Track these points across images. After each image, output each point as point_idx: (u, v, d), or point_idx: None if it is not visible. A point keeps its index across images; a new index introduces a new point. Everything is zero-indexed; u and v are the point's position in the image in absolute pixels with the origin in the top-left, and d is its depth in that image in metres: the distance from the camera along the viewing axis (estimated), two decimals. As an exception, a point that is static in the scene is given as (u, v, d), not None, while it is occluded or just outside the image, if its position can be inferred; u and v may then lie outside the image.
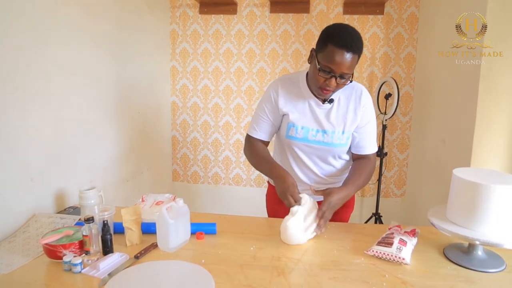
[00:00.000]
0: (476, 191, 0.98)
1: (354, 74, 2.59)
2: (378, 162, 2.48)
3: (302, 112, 1.27)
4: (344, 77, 1.12)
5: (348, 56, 1.08)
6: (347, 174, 1.34)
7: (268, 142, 1.39)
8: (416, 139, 2.57)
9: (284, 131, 1.32)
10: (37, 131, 1.40)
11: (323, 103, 1.25)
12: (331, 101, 1.24)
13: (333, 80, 1.12)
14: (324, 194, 1.18)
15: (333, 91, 1.18)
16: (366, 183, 1.30)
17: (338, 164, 1.36)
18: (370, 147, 1.31)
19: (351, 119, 1.25)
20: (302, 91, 1.27)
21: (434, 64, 2.25)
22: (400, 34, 2.55)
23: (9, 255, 1.09)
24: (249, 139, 1.39)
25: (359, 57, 1.12)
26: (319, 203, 1.19)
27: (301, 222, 1.12)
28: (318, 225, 1.14)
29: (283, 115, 1.31)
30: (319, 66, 1.12)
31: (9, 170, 1.27)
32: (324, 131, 1.26)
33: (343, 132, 1.26)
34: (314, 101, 1.26)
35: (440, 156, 2.13)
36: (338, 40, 1.08)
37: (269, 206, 1.54)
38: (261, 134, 1.35)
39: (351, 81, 1.16)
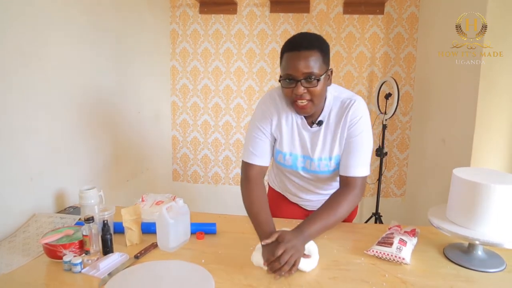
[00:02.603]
0: (476, 191, 0.98)
1: (354, 74, 2.62)
2: (378, 162, 2.48)
3: (289, 137, 1.17)
4: (309, 79, 1.01)
5: (302, 55, 0.99)
6: None
7: (267, 167, 1.22)
8: (416, 139, 2.57)
9: (274, 154, 1.24)
10: (37, 131, 1.40)
11: (311, 126, 1.14)
12: (320, 123, 1.13)
13: (299, 85, 1.01)
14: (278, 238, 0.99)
15: (314, 101, 1.05)
16: (340, 220, 1.10)
17: (334, 180, 1.27)
18: (357, 167, 1.11)
19: (338, 139, 1.13)
20: (289, 112, 1.16)
21: (434, 64, 2.25)
22: (400, 34, 2.55)
23: (9, 255, 1.09)
24: (245, 169, 1.19)
25: (321, 53, 1.01)
26: None
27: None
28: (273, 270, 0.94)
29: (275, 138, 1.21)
30: (280, 79, 1.06)
31: (9, 170, 1.27)
32: (311, 159, 1.17)
33: (329, 159, 1.16)
34: (302, 124, 1.15)
35: (440, 156, 2.13)
36: (289, 45, 1.04)
37: (271, 207, 1.53)
38: (259, 158, 1.18)
39: (318, 80, 1.01)
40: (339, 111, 1.12)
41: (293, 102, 1.07)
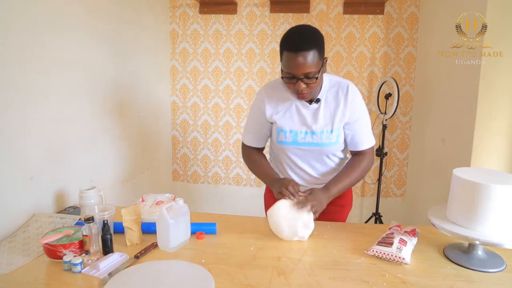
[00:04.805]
0: (476, 191, 0.98)
1: (354, 74, 2.62)
2: (378, 162, 2.48)
3: (289, 116, 1.27)
4: (309, 77, 1.10)
5: (302, 57, 1.06)
6: None
7: (263, 147, 1.43)
8: (416, 139, 2.57)
9: (274, 137, 1.33)
10: (37, 131, 1.40)
11: (309, 104, 1.25)
12: (317, 100, 1.24)
13: (300, 83, 1.11)
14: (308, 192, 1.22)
15: (312, 92, 1.17)
16: (359, 180, 1.31)
17: (332, 163, 1.35)
18: (365, 142, 1.29)
19: (339, 116, 1.24)
20: (288, 94, 1.26)
21: (434, 64, 2.25)
22: (400, 34, 2.55)
23: (9, 254, 1.09)
24: (244, 146, 1.44)
25: (318, 50, 1.08)
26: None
27: (286, 213, 1.17)
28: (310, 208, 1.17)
29: (272, 123, 1.32)
30: (282, 74, 1.15)
31: (9, 170, 1.27)
32: (313, 132, 1.26)
33: (331, 131, 1.25)
34: (300, 103, 1.26)
35: (440, 156, 2.13)
36: (289, 44, 1.08)
37: (268, 206, 1.54)
38: (254, 141, 1.40)
39: (316, 78, 1.11)
40: (335, 91, 1.25)
41: (293, 93, 1.19)
